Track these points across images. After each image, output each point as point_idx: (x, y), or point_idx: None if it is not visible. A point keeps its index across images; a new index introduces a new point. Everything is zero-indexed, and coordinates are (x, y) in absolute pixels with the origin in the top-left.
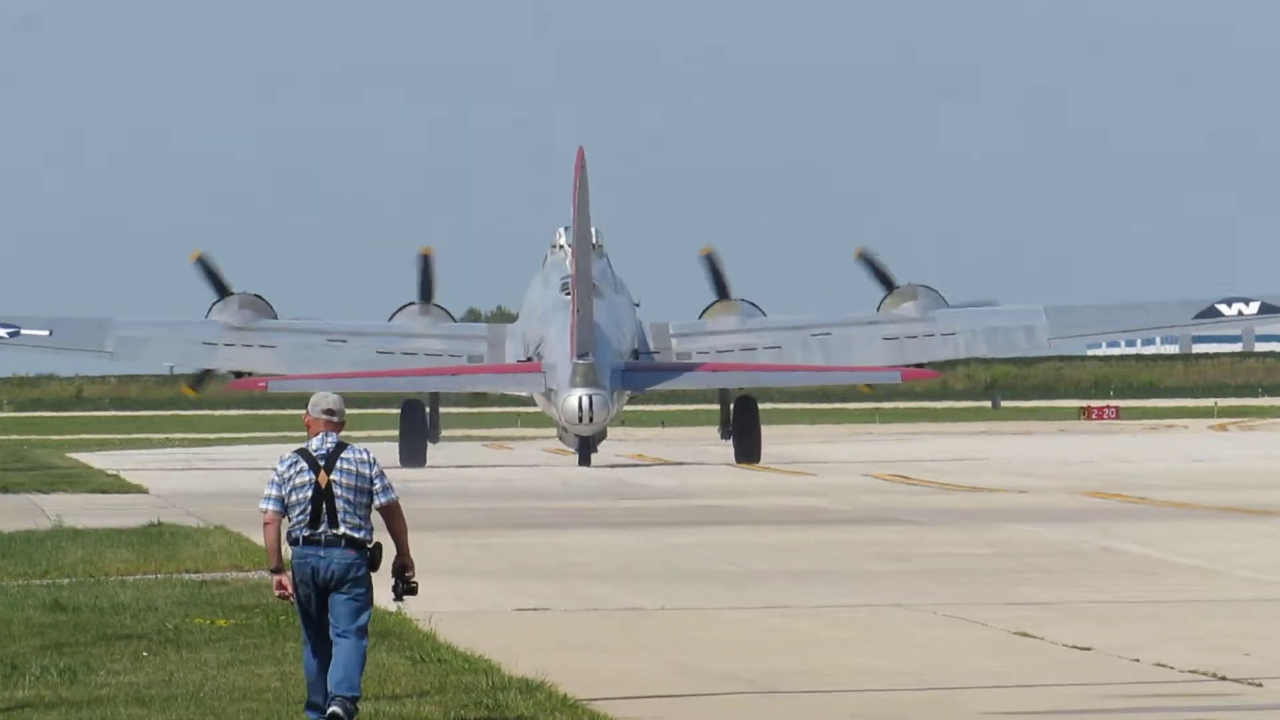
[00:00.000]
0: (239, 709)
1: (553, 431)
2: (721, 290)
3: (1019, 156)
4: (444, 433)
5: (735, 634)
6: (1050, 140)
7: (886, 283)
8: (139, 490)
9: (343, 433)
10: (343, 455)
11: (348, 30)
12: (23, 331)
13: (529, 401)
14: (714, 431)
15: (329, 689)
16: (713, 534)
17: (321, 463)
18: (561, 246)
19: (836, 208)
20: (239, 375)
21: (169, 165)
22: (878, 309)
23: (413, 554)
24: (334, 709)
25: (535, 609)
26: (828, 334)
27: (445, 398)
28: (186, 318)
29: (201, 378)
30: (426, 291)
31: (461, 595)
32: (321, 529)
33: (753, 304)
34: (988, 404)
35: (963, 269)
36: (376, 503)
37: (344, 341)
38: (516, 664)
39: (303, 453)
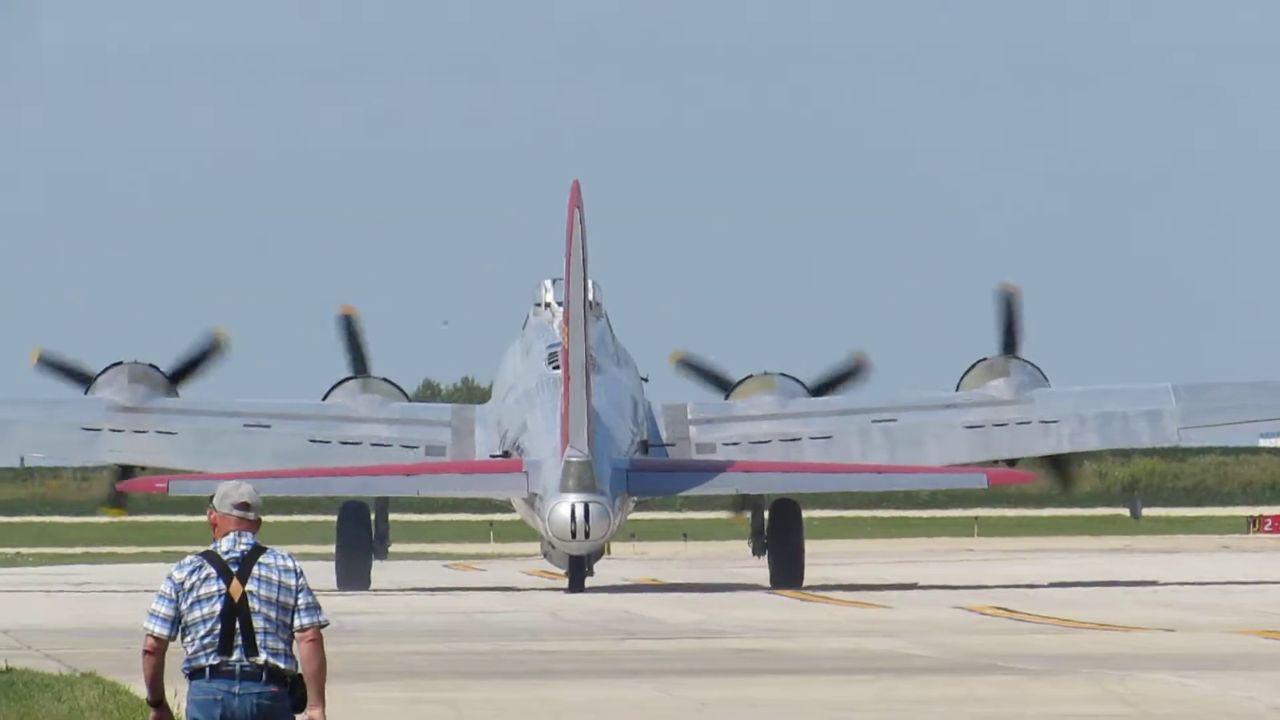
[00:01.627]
0: None
1: (535, 547)
2: (721, 383)
3: (1134, 186)
4: (393, 547)
5: None
6: (1174, 162)
7: (359, 363)
8: None
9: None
10: (260, 560)
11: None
12: None
13: (503, 505)
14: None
15: None
16: (753, 688)
17: (234, 569)
18: (548, 305)
19: (894, 261)
20: (128, 471)
21: (33, 191)
22: (957, 387)
23: (353, 710)
24: None
25: None
26: (893, 420)
27: (396, 501)
28: (60, 395)
29: (116, 488)
30: (359, 363)
31: None
32: (235, 656)
33: (794, 379)
34: (1124, 512)
35: (1065, 339)
36: (298, 624)
37: (266, 426)
38: None
39: (209, 556)
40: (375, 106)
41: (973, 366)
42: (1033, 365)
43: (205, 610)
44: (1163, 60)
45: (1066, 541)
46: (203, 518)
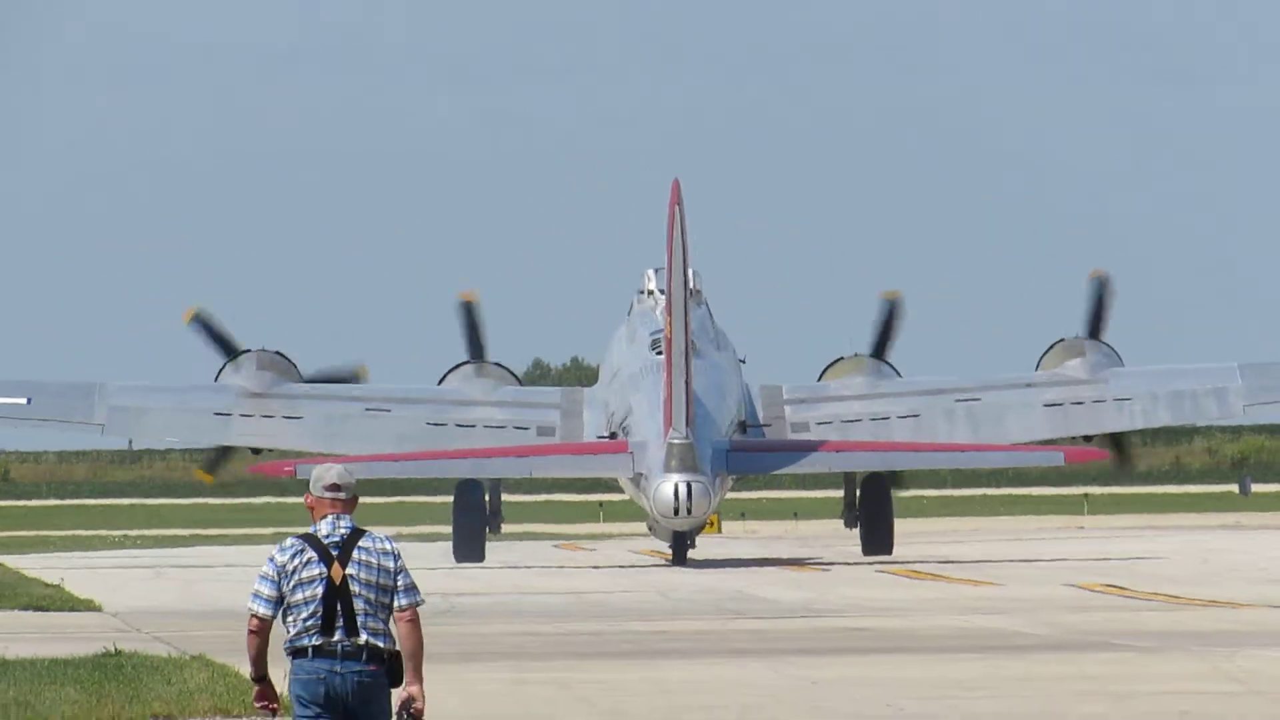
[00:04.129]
0: None
1: (643, 527)
2: (880, 349)
3: (1198, 174)
4: (505, 526)
5: None
6: (1232, 154)
7: (227, 348)
8: (89, 606)
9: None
10: (360, 544)
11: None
12: None
13: (611, 485)
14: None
15: None
16: (864, 666)
17: (335, 553)
18: (651, 292)
19: (980, 245)
20: (257, 452)
21: (145, 195)
22: (1036, 367)
23: (463, 690)
24: None
25: None
26: (976, 399)
27: (508, 482)
28: (191, 382)
29: (217, 458)
30: (476, 348)
31: None
32: (336, 636)
33: (886, 362)
34: (1234, 489)
35: (1137, 320)
36: (397, 604)
37: (387, 410)
38: None
39: (309, 539)
40: (491, 101)
41: (1051, 347)
42: (1108, 345)
43: (308, 593)
44: (1258, 48)
45: (1177, 519)
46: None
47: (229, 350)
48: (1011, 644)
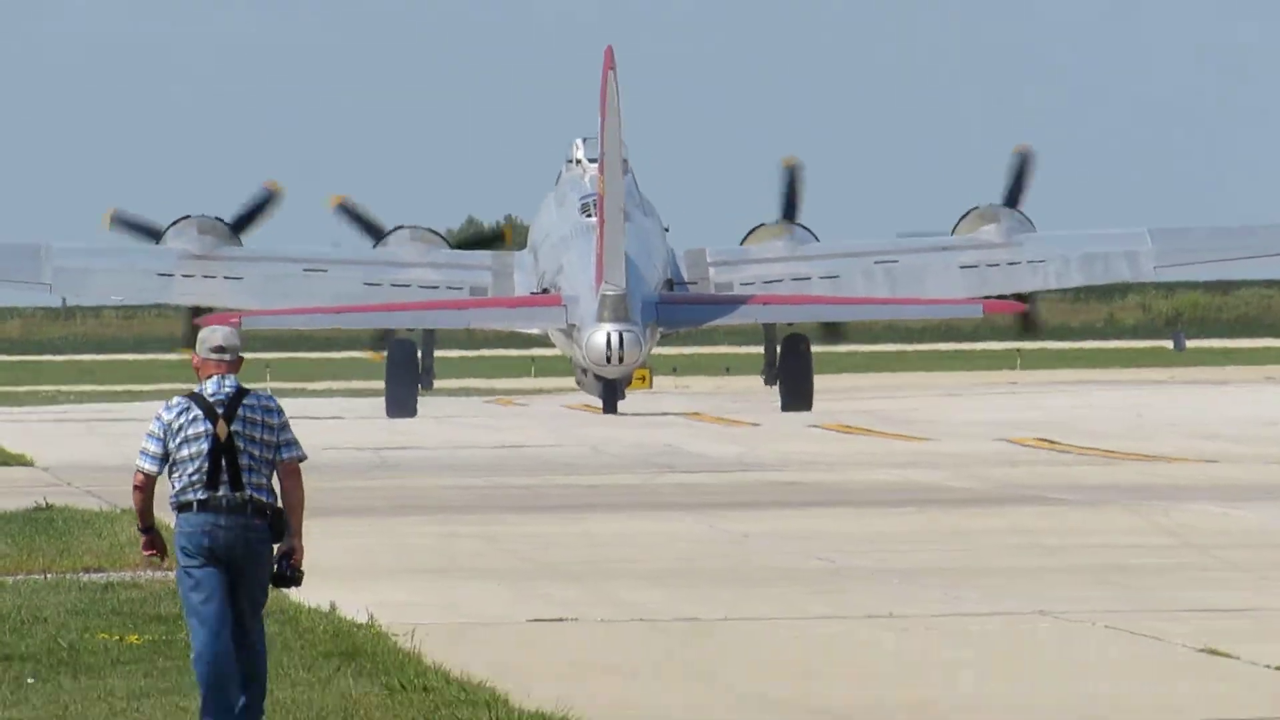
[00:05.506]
0: None
1: (572, 383)
2: (790, 212)
3: (1110, 48)
4: (437, 383)
5: (823, 654)
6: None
7: (373, 231)
8: (21, 461)
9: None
10: (244, 402)
11: None
12: None
13: (540, 345)
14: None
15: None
16: (793, 519)
17: (220, 410)
18: (579, 161)
19: (899, 115)
20: (198, 312)
21: (98, 62)
22: (952, 232)
23: (394, 543)
24: None
25: (558, 620)
26: (894, 261)
27: (441, 338)
28: (135, 244)
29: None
30: (373, 233)
31: (456, 602)
32: (221, 491)
33: (805, 227)
34: (1168, 344)
35: (1051, 190)
36: (281, 458)
37: (324, 271)
38: (529, 694)
39: (195, 398)
40: None
41: (966, 214)
42: (1021, 213)
43: (193, 449)
44: None
45: (1110, 374)
46: (251, 355)
47: (154, 234)
48: (943, 498)
